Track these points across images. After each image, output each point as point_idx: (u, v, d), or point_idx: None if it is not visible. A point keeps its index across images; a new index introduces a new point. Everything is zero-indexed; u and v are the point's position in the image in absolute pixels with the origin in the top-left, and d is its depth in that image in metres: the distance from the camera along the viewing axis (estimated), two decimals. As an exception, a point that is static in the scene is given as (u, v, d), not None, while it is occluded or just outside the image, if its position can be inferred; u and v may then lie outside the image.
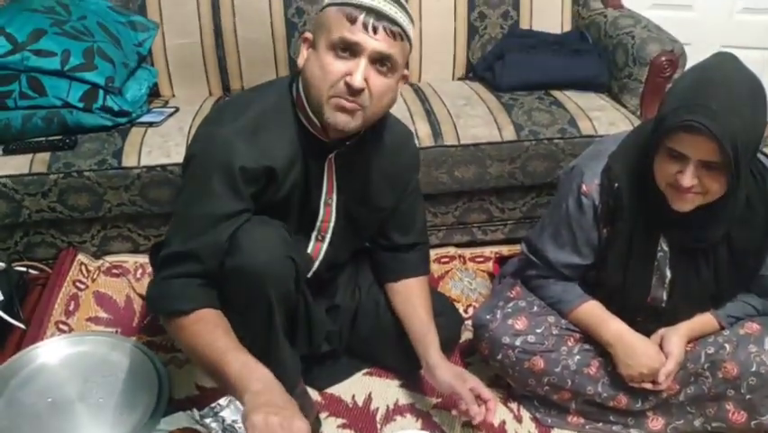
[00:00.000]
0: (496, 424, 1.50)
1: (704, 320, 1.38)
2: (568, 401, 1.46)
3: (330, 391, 1.58)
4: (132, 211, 1.86)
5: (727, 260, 1.32)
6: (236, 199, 1.19)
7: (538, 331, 1.41)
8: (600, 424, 1.48)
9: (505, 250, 2.06)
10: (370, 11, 1.13)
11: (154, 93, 2.16)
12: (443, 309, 1.58)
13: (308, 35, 1.21)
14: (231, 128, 1.21)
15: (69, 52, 1.83)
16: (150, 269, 1.77)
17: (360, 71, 1.14)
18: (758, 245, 1.31)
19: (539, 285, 1.48)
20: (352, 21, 1.12)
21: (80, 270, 1.89)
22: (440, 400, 1.56)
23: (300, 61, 1.23)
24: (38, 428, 1.41)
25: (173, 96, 2.22)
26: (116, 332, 1.73)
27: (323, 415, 1.51)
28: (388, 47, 1.15)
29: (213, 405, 1.40)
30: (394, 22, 1.14)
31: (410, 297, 1.49)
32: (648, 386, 1.36)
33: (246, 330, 1.28)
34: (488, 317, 1.46)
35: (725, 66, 1.17)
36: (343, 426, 1.50)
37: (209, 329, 1.15)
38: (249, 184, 1.20)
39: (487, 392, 1.34)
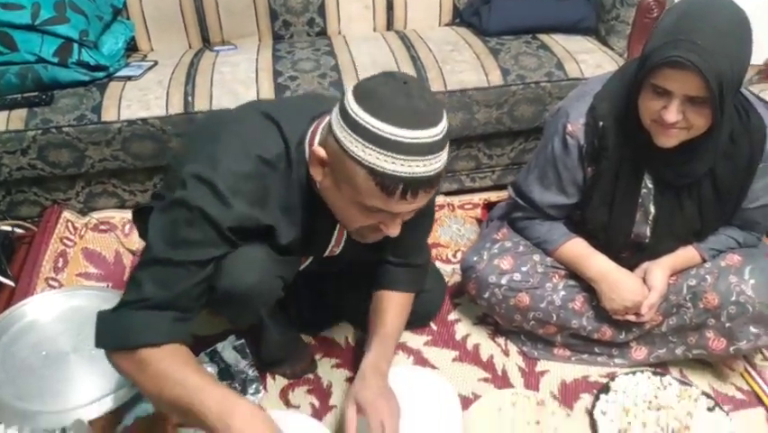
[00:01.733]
0: (484, 359, 1.55)
1: (686, 254, 1.42)
2: (553, 335, 1.51)
3: (323, 334, 1.61)
4: (115, 166, 1.84)
5: (711, 195, 1.34)
6: (223, 246, 1.08)
7: (524, 269, 1.45)
8: (585, 355, 1.54)
9: (493, 196, 2.08)
10: (409, 181, 0.97)
11: (132, 47, 2.13)
12: (432, 285, 1.56)
13: (321, 154, 1.03)
14: (228, 180, 1.05)
15: (39, 6, 1.78)
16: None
17: (397, 228, 1.07)
18: (741, 180, 1.33)
19: (525, 226, 1.51)
20: (390, 194, 0.98)
21: (67, 227, 1.88)
22: (430, 337, 1.60)
23: (317, 177, 1.07)
24: (33, 381, 1.42)
25: (152, 49, 2.18)
26: (108, 286, 1.74)
27: (317, 356, 1.55)
28: (428, 198, 1.04)
29: (208, 350, 1.43)
30: (436, 178, 1.00)
31: (384, 307, 1.38)
32: (632, 318, 1.41)
33: (236, 325, 1.35)
34: (475, 258, 1.49)
35: (710, 1, 1.16)
36: (338, 365, 1.53)
37: (178, 367, 1.02)
38: (241, 236, 1.09)
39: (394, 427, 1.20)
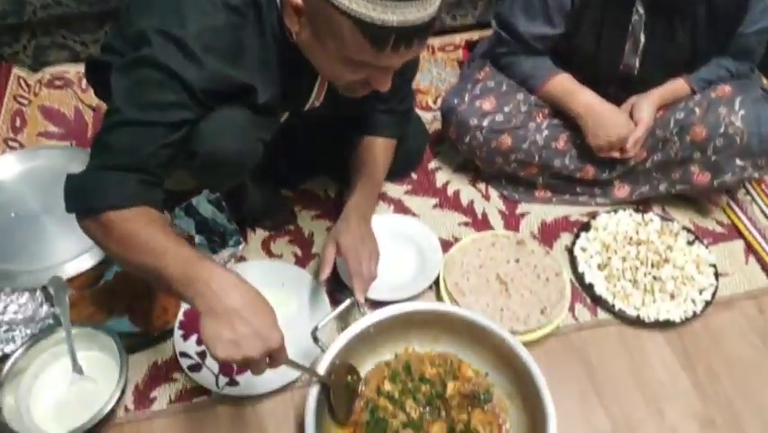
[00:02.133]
0: (465, 205, 1.54)
1: (676, 85, 1.36)
2: (535, 176, 1.48)
3: (302, 187, 1.57)
4: (60, 12, 1.69)
5: (705, 19, 1.26)
6: (196, 109, 0.98)
7: (506, 110, 1.38)
8: (567, 196, 1.52)
9: (475, 35, 1.95)
10: (402, 31, 0.86)
11: None
12: (413, 133, 1.49)
13: (295, 1, 0.91)
14: (198, 38, 0.93)
15: None
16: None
17: (388, 82, 0.98)
18: (738, 1, 1.24)
19: (509, 62, 1.42)
20: (380, 47, 0.88)
21: (19, 84, 1.77)
22: (411, 186, 1.57)
23: (293, 27, 0.97)
24: (6, 242, 1.40)
25: None
26: (71, 145, 1.66)
27: (297, 208, 1.52)
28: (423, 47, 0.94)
29: (183, 204, 1.39)
30: (431, 24, 0.89)
31: (367, 152, 1.33)
32: (616, 155, 1.38)
33: (216, 190, 1.28)
34: (456, 100, 1.41)
35: None
36: (318, 216, 1.51)
37: (142, 228, 0.93)
38: (216, 99, 1.00)
39: (372, 271, 1.20)
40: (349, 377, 1.12)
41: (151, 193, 0.98)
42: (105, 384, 1.18)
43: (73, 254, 1.37)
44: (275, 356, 0.87)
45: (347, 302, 1.17)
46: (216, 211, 1.42)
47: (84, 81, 1.79)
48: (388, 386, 1.14)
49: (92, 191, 0.96)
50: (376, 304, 1.27)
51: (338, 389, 1.08)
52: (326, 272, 1.21)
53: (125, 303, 1.29)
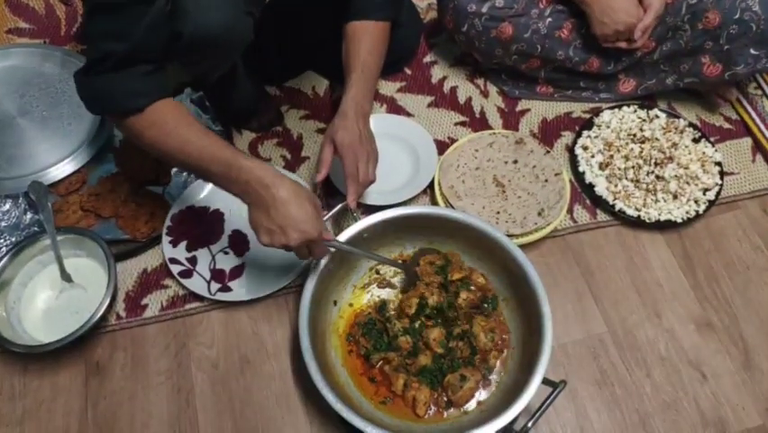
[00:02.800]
0: (462, 102, 1.46)
1: (690, -33, 1.25)
2: (537, 70, 1.40)
3: (288, 84, 1.49)
4: None
5: None
6: None
7: (507, -6, 1.28)
8: (570, 92, 1.44)
9: None
10: None
11: None
12: (405, 21, 1.37)
13: None
14: None
15: None
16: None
17: None
18: None
19: (510, -60, 1.30)
20: None
21: (-17, -25, 1.63)
22: (404, 83, 1.49)
23: None
24: (-18, 146, 1.34)
25: None
26: (44, 42, 1.56)
27: (283, 108, 1.45)
28: None
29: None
30: None
31: (359, 39, 1.22)
32: (623, 45, 1.28)
33: (207, 78, 1.15)
34: (452, -15, 1.30)
35: None
36: (306, 117, 1.44)
37: (171, 130, 0.97)
38: None
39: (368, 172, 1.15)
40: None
41: (159, 84, 0.98)
42: (95, 291, 1.17)
43: (55, 159, 1.32)
44: (313, 246, 0.96)
45: (339, 207, 1.13)
46: (200, 111, 1.36)
47: (52, -29, 1.66)
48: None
49: (104, 98, 0.98)
50: (369, 209, 1.23)
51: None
52: (323, 174, 1.15)
53: (111, 208, 1.26)
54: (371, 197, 1.26)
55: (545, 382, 0.95)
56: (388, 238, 1.15)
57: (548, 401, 0.93)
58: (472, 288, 1.13)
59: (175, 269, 1.21)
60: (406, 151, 1.36)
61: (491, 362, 1.07)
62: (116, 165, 1.32)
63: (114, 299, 1.17)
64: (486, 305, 1.12)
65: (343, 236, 1.08)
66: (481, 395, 1.05)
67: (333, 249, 1.05)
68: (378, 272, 1.18)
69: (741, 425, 1.10)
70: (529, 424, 0.91)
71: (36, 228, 1.24)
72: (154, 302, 1.21)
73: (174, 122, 0.98)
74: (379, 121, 1.37)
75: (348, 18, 1.24)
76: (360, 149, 1.13)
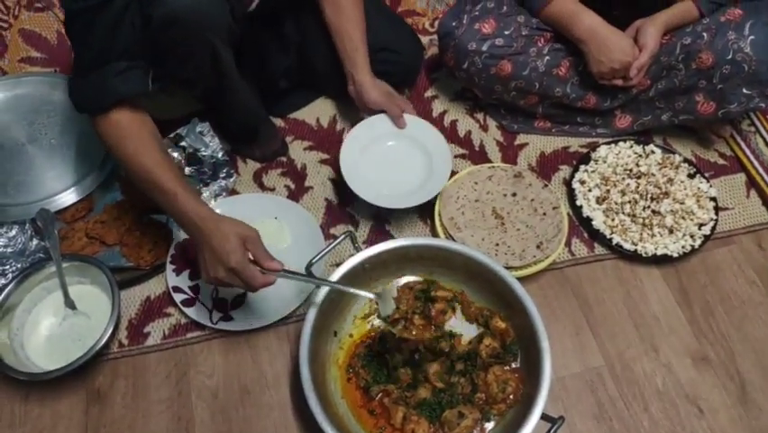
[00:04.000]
0: (462, 135, 1.49)
1: (683, 8, 1.28)
2: (535, 106, 1.43)
3: (293, 116, 1.52)
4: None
5: (717, -65, 1.18)
6: None
7: (506, 33, 1.31)
8: (567, 126, 1.48)
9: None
10: None
11: None
12: (402, 41, 1.45)
13: None
14: None
15: None
16: None
17: None
18: None
19: (510, -19, 1.34)
20: None
21: (-3, 6, 1.68)
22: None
23: None
24: (-8, 173, 1.37)
25: None
26: (55, 71, 1.60)
27: (288, 139, 1.48)
28: None
29: (172, 135, 1.35)
30: None
31: (340, 11, 1.33)
32: (619, 83, 1.32)
33: (197, 80, 1.19)
34: (453, 23, 1.34)
35: None
36: (310, 148, 1.47)
37: (131, 153, 1.05)
38: None
39: (410, 108, 1.35)
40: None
41: (132, 81, 1.03)
42: (98, 319, 1.18)
43: (62, 187, 1.35)
44: (243, 277, 0.98)
45: (341, 237, 1.15)
46: (206, 141, 1.38)
47: (64, 3, 1.71)
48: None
49: (81, 95, 1.05)
50: (380, 210, 1.32)
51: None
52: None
53: (116, 236, 1.28)
54: (382, 199, 1.28)
55: (544, 417, 0.95)
56: (389, 269, 1.17)
57: (548, 436, 0.94)
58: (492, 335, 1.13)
59: (178, 297, 1.22)
60: (420, 154, 1.37)
61: (495, 410, 1.06)
62: (122, 193, 1.35)
63: (116, 326, 1.17)
64: (506, 352, 1.11)
65: (345, 267, 1.10)
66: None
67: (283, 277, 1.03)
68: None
69: (738, 460, 1.11)
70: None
71: (42, 255, 1.26)
72: (156, 330, 1.22)
73: (134, 146, 1.04)
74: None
75: None
76: (396, 98, 1.33)
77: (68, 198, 1.33)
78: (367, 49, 1.34)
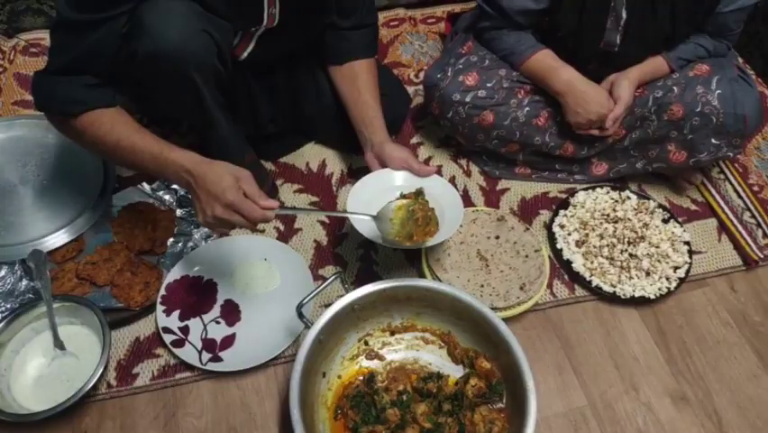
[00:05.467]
0: (447, 180, 1.54)
1: (655, 64, 1.37)
2: (516, 153, 1.49)
3: (283, 160, 1.56)
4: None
5: (685, -4, 1.27)
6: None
7: (489, 85, 1.38)
8: (546, 173, 1.54)
9: (457, 8, 1.94)
10: None
11: None
12: (390, 89, 1.51)
13: None
14: None
15: None
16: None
17: None
18: (719, -20, 1.25)
19: (492, 37, 1.42)
20: None
21: (-7, 51, 1.71)
22: (392, 161, 1.57)
23: None
24: (-17, 213, 1.38)
25: None
26: (48, 115, 1.62)
27: (278, 182, 1.52)
28: None
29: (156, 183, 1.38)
30: None
31: (356, 79, 1.38)
32: (595, 132, 1.39)
33: (180, 113, 1.24)
34: (438, 75, 1.41)
35: None
36: (300, 190, 1.51)
37: (107, 129, 1.08)
38: None
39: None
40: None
41: (100, 95, 1.08)
42: (87, 360, 1.18)
43: (53, 228, 1.35)
44: (241, 211, 1.01)
45: (331, 279, 1.17)
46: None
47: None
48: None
49: (47, 95, 1.09)
50: (367, 252, 1.36)
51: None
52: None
53: (107, 277, 1.29)
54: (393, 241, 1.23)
55: (531, 458, 0.98)
56: (377, 309, 1.19)
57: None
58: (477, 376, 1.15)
59: (167, 338, 1.23)
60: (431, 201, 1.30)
61: None
62: (113, 235, 1.36)
63: (106, 368, 1.17)
64: (492, 392, 1.13)
65: (334, 308, 1.12)
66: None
67: (278, 213, 1.10)
68: (366, 343, 1.21)
69: (717, 500, 1.14)
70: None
71: (31, 295, 1.26)
72: (145, 371, 1.22)
73: (110, 122, 1.08)
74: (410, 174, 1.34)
75: (336, 60, 1.39)
76: (410, 156, 1.29)
77: (59, 238, 1.34)
78: (382, 115, 1.36)
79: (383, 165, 1.31)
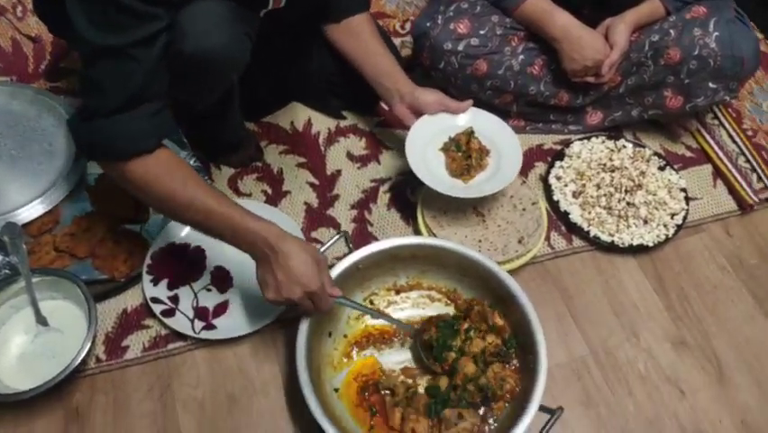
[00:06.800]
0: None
1: (651, 6, 1.33)
2: (509, 105, 1.45)
3: (267, 120, 1.50)
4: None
5: (682, -66, 1.23)
6: (163, 15, 0.91)
7: (481, 33, 1.33)
8: (540, 124, 1.51)
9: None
10: None
11: None
12: None
13: None
14: None
15: None
16: (30, 5, 1.52)
17: None
18: None
19: (484, -19, 1.36)
20: None
21: (-54, 13, 1.59)
22: (382, 118, 1.52)
23: None
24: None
25: None
26: (11, 80, 1.53)
27: (263, 143, 1.45)
28: None
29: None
30: None
31: (360, 33, 1.32)
32: (591, 80, 1.35)
33: (197, 104, 1.17)
34: (428, 24, 1.35)
35: None
36: (286, 151, 1.45)
37: (179, 187, 0.97)
38: None
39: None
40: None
41: (165, 122, 0.97)
42: (73, 334, 1.13)
43: (26, 199, 1.28)
44: (316, 299, 0.99)
45: (335, 238, 1.13)
46: (177, 148, 1.34)
47: (19, 9, 1.64)
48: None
49: (108, 142, 0.95)
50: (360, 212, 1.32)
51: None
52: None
53: (87, 248, 1.23)
54: (455, 190, 1.22)
55: (542, 409, 0.96)
56: (382, 268, 1.16)
57: (547, 427, 0.95)
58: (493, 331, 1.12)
59: (157, 308, 1.18)
60: (487, 145, 1.29)
61: (495, 410, 1.06)
62: (91, 204, 1.29)
63: (93, 342, 1.13)
64: (505, 348, 1.10)
65: (339, 267, 1.09)
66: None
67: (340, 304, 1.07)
68: (372, 303, 1.18)
69: (721, 439, 1.15)
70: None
71: (7, 271, 1.19)
72: (135, 343, 1.17)
73: (182, 177, 0.98)
74: (471, 115, 1.31)
75: (334, 17, 1.32)
76: (443, 96, 1.26)
77: (34, 210, 1.27)
78: (396, 62, 1.31)
79: (417, 114, 1.27)
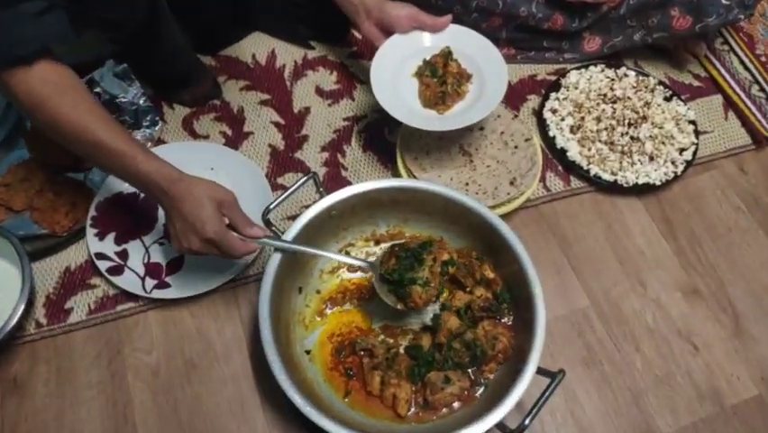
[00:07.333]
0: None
1: None
2: (498, 29, 1.30)
3: (225, 53, 1.35)
4: None
5: None
6: None
7: (466, -57, 1.17)
8: (533, 53, 1.36)
9: None
10: None
11: None
12: None
13: None
14: None
15: None
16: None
17: None
18: None
19: None
20: None
21: None
22: (355, 48, 1.36)
23: None
24: None
25: None
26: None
27: (221, 79, 1.31)
28: None
29: (83, 80, 1.14)
30: None
31: None
32: (589, -1, 1.20)
33: (126, 22, 1.04)
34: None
35: None
36: (247, 87, 1.30)
37: (68, 110, 0.82)
38: None
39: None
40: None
41: (53, 26, 0.81)
42: (6, 297, 1.00)
43: (-48, 146, 1.14)
44: (222, 247, 0.88)
45: (302, 180, 0.98)
46: (125, 85, 1.19)
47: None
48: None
49: None
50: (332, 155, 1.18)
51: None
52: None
53: (24, 200, 1.10)
54: (428, 122, 1.07)
55: (540, 372, 0.84)
56: (359, 216, 1.03)
57: (546, 394, 0.82)
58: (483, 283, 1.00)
59: (102, 265, 1.05)
60: (469, 68, 1.14)
61: (486, 371, 0.94)
62: (29, 151, 1.16)
63: (31, 304, 1.01)
64: (497, 302, 0.98)
65: (308, 215, 0.96)
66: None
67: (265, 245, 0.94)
68: (348, 254, 1.05)
69: (737, 396, 1.04)
70: (526, 421, 0.79)
71: (-68, 227, 1.06)
72: (80, 305, 1.05)
73: (72, 101, 0.83)
74: (449, 32, 1.15)
75: None
76: (417, 10, 1.11)
77: (-35, 158, 1.13)
78: None
79: (387, 32, 1.11)
